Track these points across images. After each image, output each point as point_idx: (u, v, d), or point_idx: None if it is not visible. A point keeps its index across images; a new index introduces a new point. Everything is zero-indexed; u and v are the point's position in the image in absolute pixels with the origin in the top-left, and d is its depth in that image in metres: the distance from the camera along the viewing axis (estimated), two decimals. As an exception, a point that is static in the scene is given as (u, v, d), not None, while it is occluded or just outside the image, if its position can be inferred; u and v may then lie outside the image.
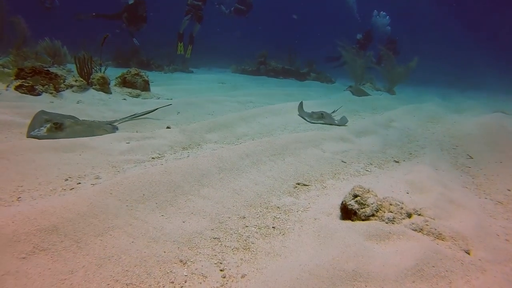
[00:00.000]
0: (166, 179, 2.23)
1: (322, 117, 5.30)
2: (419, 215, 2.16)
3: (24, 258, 1.38)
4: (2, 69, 6.80)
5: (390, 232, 1.93)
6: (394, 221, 2.03)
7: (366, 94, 10.48)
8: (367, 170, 3.41)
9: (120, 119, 4.40)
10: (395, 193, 2.65)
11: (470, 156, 4.31)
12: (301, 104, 5.88)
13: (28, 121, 3.83)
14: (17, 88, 5.43)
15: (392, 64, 13.73)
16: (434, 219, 2.21)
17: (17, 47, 8.39)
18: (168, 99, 6.99)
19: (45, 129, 3.38)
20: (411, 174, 3.11)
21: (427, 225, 2.05)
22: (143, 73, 7.32)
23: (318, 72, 16.97)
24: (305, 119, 5.41)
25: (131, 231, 1.71)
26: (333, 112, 6.12)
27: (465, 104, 11.52)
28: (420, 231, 2.01)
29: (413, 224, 2.03)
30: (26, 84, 5.45)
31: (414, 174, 3.07)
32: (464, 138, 5.37)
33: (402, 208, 2.11)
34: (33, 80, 5.57)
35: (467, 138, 5.32)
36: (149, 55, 14.15)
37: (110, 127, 3.96)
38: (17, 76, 5.70)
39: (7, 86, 5.55)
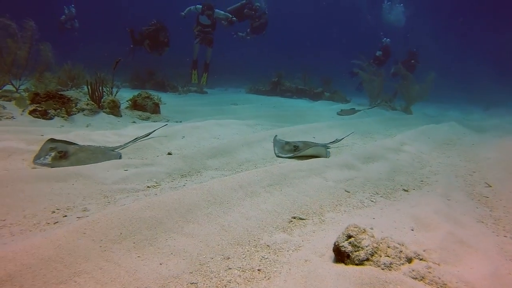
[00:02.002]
0: (148, 215, 2.13)
1: (296, 150, 4.36)
2: (421, 259, 1.95)
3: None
4: (23, 93, 7.09)
5: (386, 281, 1.73)
6: (391, 267, 1.83)
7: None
8: (372, 201, 3.20)
9: (124, 144, 4.41)
10: (398, 230, 2.43)
11: (488, 185, 4.00)
12: (276, 137, 5.03)
13: (32, 148, 3.89)
14: (31, 112, 5.61)
15: (410, 82, 13.40)
16: (439, 265, 1.99)
17: (40, 72, 8.79)
18: (177, 121, 7.04)
19: (50, 158, 3.48)
20: (418, 207, 2.88)
21: (429, 272, 1.84)
22: (154, 96, 7.44)
23: (333, 92, 16.82)
24: (274, 150, 4.60)
25: (100, 277, 1.61)
26: (336, 141, 5.41)
27: (487, 123, 11.01)
28: (421, 280, 1.80)
29: (413, 271, 1.83)
30: (40, 109, 5.63)
31: (421, 208, 2.84)
32: (482, 162, 5.04)
33: (401, 251, 1.91)
34: (46, 104, 5.74)
35: (486, 163, 4.98)
36: (165, 76, 14.48)
37: (115, 153, 3.98)
38: (32, 101, 5.91)
39: (23, 111, 5.75)
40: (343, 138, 5.59)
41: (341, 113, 10.30)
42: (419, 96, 13.42)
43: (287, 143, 4.61)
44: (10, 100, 6.41)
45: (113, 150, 4.09)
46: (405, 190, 3.59)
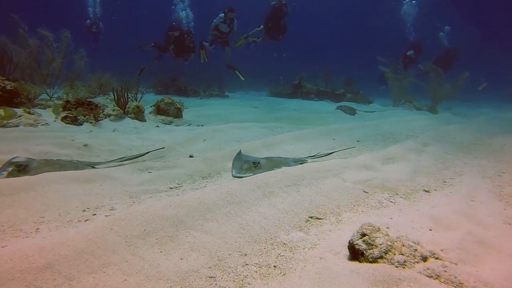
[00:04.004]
0: (170, 214, 2.26)
1: (256, 168, 3.69)
2: (436, 258, 1.95)
3: (17, 295, 1.46)
4: (56, 101, 7.57)
5: (399, 279, 1.75)
6: (405, 265, 1.85)
7: (355, 112, 10.30)
8: (390, 201, 3.18)
9: (105, 162, 3.90)
10: (415, 230, 2.42)
11: (518, 185, 3.85)
12: (239, 153, 4.13)
13: (64, 151, 4.16)
14: (62, 119, 5.97)
15: (440, 81, 12.88)
16: (456, 264, 1.97)
17: (72, 80, 9.35)
18: (198, 125, 7.24)
19: (5, 173, 3.03)
20: (438, 208, 2.84)
21: (445, 271, 1.84)
22: (176, 101, 7.69)
23: (355, 93, 16.62)
24: (232, 172, 3.81)
25: (126, 268, 1.74)
26: (316, 156, 4.48)
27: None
28: (436, 278, 1.80)
29: (428, 269, 1.83)
30: (70, 115, 5.98)
31: (441, 208, 2.80)
32: (513, 163, 4.84)
33: (416, 250, 1.92)
34: (77, 111, 6.09)
35: (517, 164, 4.78)
36: (187, 81, 14.87)
37: (89, 169, 3.54)
38: (64, 108, 6.28)
39: (56, 117, 6.13)
40: (328, 154, 4.63)
41: (341, 108, 10.32)
42: (446, 96, 12.91)
43: (246, 161, 3.86)
44: (44, 108, 6.86)
45: (92, 166, 3.63)
46: (426, 191, 3.53)
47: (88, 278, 1.62)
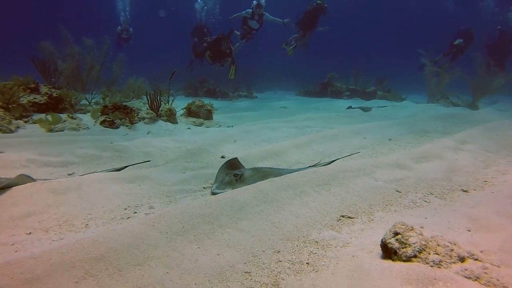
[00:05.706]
0: (206, 212, 2.37)
1: (237, 181, 3.14)
2: (475, 259, 1.89)
3: (76, 282, 1.62)
4: (94, 106, 8.06)
5: (435, 278, 1.73)
6: (441, 265, 1.82)
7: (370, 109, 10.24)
8: (425, 201, 3.11)
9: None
10: (451, 230, 2.36)
11: None
12: (227, 163, 3.66)
13: (104, 154, 4.43)
14: (101, 123, 6.36)
15: (490, 76, 12.02)
16: (499, 267, 1.91)
17: (108, 86, 9.91)
18: (228, 126, 7.39)
19: None
20: (477, 208, 2.74)
21: (486, 273, 1.79)
22: (207, 103, 7.91)
23: (387, 90, 16.17)
24: (212, 187, 3.23)
25: (168, 262, 1.87)
26: (317, 164, 3.97)
27: None
28: (476, 280, 1.76)
29: (466, 270, 1.79)
30: (108, 119, 6.35)
31: (480, 208, 2.70)
32: (563, 161, 4.52)
33: (452, 250, 1.88)
34: (113, 115, 6.45)
35: None
36: (216, 83, 15.15)
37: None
38: (102, 112, 6.67)
39: (95, 122, 6.54)
40: (330, 162, 4.02)
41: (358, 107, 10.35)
42: (492, 91, 12.07)
43: (227, 173, 3.37)
44: (85, 113, 7.32)
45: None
46: (464, 191, 3.40)
47: (135, 269, 1.76)
